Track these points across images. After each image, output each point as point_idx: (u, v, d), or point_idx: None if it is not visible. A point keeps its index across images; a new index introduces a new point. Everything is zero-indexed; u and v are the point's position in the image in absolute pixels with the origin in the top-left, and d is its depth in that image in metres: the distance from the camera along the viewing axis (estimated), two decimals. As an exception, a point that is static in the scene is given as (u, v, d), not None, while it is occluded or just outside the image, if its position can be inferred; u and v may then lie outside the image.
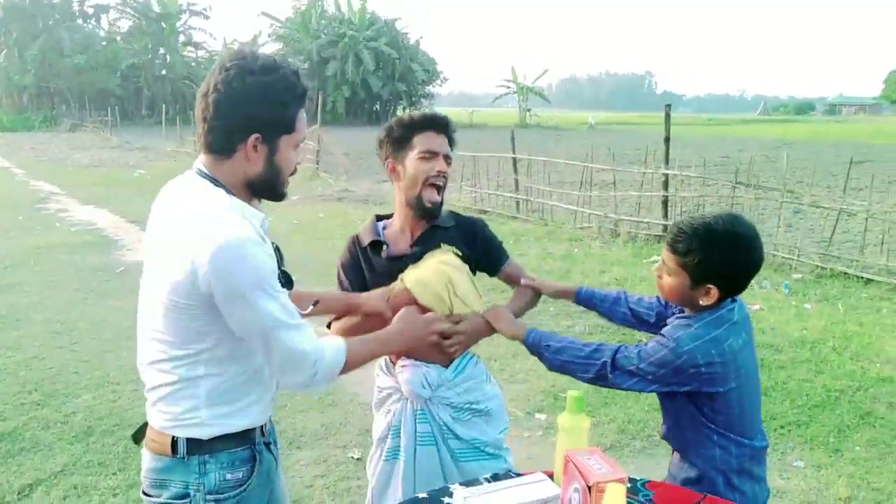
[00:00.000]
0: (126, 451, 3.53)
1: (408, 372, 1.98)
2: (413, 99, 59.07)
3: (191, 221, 1.42)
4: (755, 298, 6.26)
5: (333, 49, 52.76)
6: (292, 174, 1.57)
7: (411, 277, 1.90)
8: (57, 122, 44.80)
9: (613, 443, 3.70)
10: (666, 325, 1.80)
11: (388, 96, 56.07)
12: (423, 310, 1.85)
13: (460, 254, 1.99)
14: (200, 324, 1.43)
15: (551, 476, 1.56)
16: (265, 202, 1.59)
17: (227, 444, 1.52)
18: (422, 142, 1.98)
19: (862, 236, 7.34)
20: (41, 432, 3.77)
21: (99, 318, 5.83)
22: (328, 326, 2.04)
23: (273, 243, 1.53)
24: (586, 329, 5.30)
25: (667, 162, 8.72)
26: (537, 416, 4.06)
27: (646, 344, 1.73)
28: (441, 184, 2.01)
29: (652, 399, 2.58)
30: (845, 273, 7.07)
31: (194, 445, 1.49)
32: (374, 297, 1.93)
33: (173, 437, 1.49)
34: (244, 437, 1.54)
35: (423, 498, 1.63)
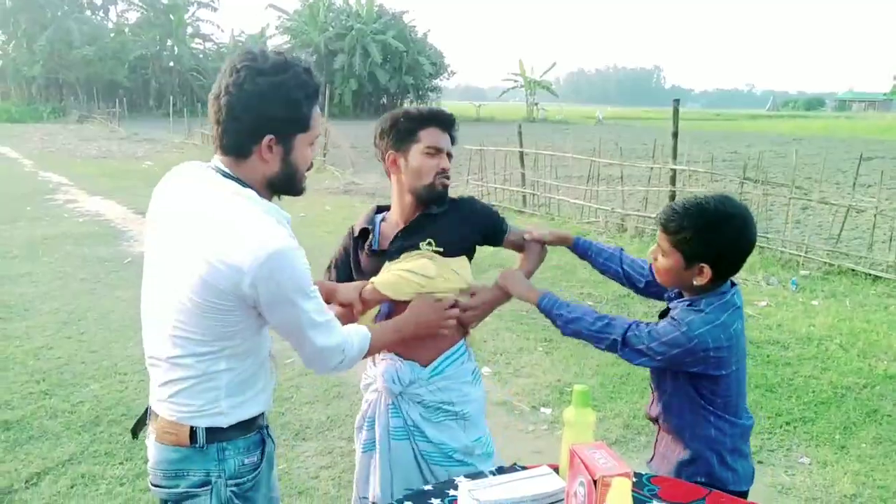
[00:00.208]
0: (133, 441, 3.54)
1: (383, 365, 2.00)
2: (420, 92, 59.03)
3: (229, 226, 1.42)
4: (762, 294, 6.24)
5: (341, 42, 52.80)
6: (308, 169, 1.59)
7: (378, 279, 1.92)
8: (65, 113, 44.95)
9: (619, 438, 3.71)
10: (659, 295, 1.86)
11: (396, 89, 56.07)
12: (403, 305, 1.89)
13: (441, 250, 1.96)
14: (230, 322, 1.46)
15: (557, 470, 1.57)
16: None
17: (241, 431, 1.55)
18: (427, 137, 1.97)
19: (870, 233, 7.29)
20: (49, 421, 3.79)
21: (107, 308, 5.86)
22: None
23: None
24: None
25: (674, 157, 8.68)
26: (543, 410, 4.07)
27: (657, 323, 1.75)
28: (447, 182, 2.01)
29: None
30: (853, 270, 7.03)
31: (213, 434, 1.51)
32: (349, 288, 1.95)
33: (192, 428, 1.51)
34: (254, 423, 1.58)
35: (428, 490, 1.64)
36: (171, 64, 55.41)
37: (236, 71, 1.44)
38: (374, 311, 1.96)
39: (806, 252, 7.45)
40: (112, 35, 52.47)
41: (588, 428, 1.53)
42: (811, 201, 8.36)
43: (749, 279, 6.62)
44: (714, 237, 1.68)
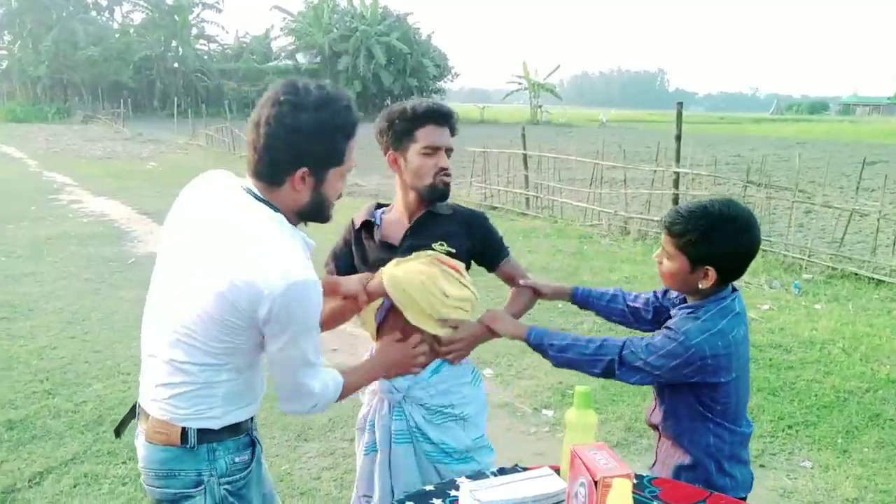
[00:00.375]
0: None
1: None
2: (424, 94, 58.94)
3: (256, 247, 1.43)
4: (765, 298, 6.23)
5: (345, 43, 52.81)
6: (338, 198, 1.62)
7: (388, 273, 1.88)
8: (70, 113, 45.10)
9: (620, 440, 3.71)
10: (669, 317, 1.82)
11: (400, 91, 56.04)
12: (398, 310, 1.87)
13: (453, 251, 1.96)
14: (240, 341, 1.48)
15: (558, 471, 1.57)
16: None
17: (232, 433, 1.57)
18: (424, 136, 1.96)
19: (874, 237, 7.29)
20: (52, 421, 3.81)
21: (110, 308, 5.88)
22: None
23: None
24: (595, 326, 5.29)
25: (678, 160, 8.67)
26: (545, 412, 4.07)
27: (653, 337, 1.74)
28: (448, 179, 2.01)
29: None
30: (856, 274, 7.02)
31: (204, 435, 1.53)
32: (353, 280, 1.94)
33: (183, 428, 1.52)
34: (244, 426, 1.61)
35: (429, 490, 1.65)
36: (176, 65, 55.50)
37: (278, 103, 1.45)
38: (377, 304, 1.96)
39: (809, 256, 7.44)
40: (117, 36, 52.57)
41: (590, 429, 1.54)
42: (814, 205, 8.35)
43: (752, 283, 6.62)
44: (719, 240, 1.69)
